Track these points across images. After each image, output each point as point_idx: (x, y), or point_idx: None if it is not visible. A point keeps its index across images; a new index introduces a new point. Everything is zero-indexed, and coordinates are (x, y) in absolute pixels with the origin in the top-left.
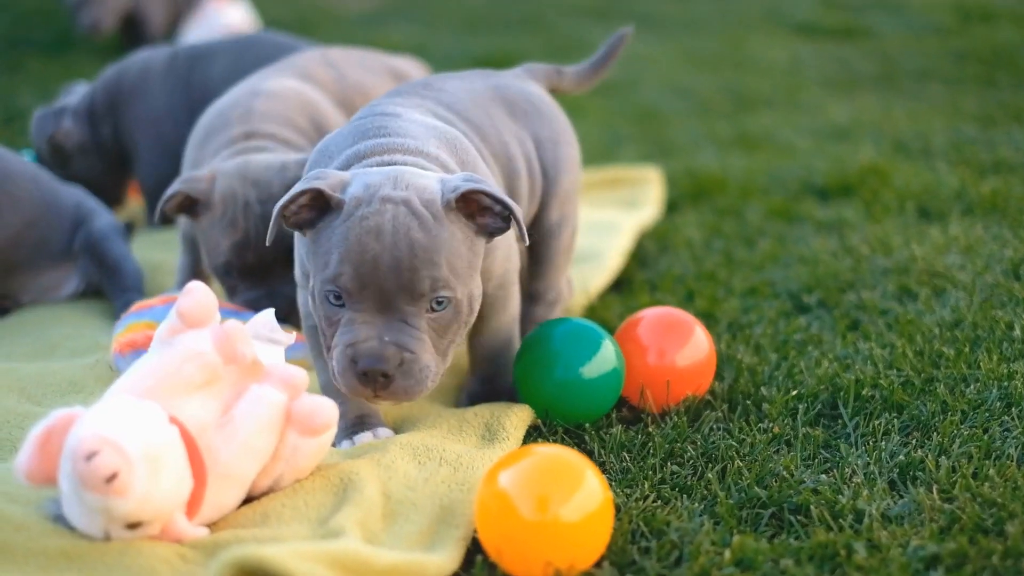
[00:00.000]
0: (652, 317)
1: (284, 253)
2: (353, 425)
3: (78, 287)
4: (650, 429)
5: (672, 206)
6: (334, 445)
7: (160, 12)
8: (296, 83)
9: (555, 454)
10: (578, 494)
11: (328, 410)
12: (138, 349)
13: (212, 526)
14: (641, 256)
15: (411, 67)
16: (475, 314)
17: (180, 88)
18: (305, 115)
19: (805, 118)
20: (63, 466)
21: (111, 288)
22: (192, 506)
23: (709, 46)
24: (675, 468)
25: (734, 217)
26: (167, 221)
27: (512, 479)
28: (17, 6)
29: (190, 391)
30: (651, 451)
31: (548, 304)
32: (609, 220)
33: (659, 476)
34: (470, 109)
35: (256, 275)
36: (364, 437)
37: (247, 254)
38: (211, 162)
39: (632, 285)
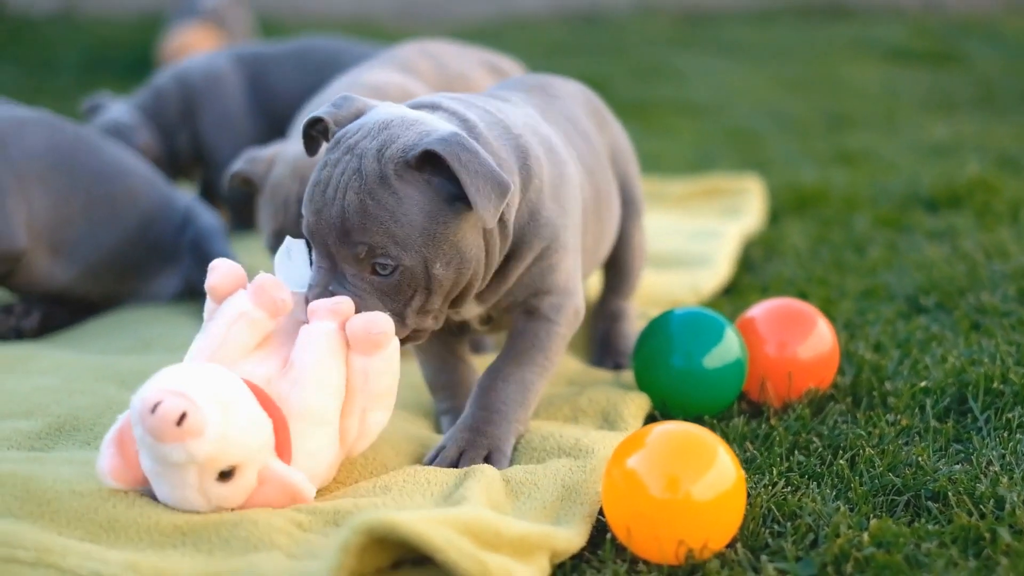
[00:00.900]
0: (771, 308)
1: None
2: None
3: (178, 288)
4: (772, 422)
5: (774, 216)
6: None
7: None
8: (397, 76)
9: (685, 431)
10: (710, 472)
11: (383, 319)
12: None
13: (328, 493)
14: (747, 262)
15: (507, 63)
16: (450, 282)
17: (250, 91)
18: None
19: (904, 137)
20: (139, 443)
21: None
22: (281, 448)
23: (798, 72)
24: (801, 458)
25: (840, 226)
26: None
27: (641, 457)
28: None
29: (245, 354)
30: (775, 441)
31: (632, 319)
32: (712, 228)
33: (786, 465)
34: (580, 119)
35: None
36: None
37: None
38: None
39: (741, 289)
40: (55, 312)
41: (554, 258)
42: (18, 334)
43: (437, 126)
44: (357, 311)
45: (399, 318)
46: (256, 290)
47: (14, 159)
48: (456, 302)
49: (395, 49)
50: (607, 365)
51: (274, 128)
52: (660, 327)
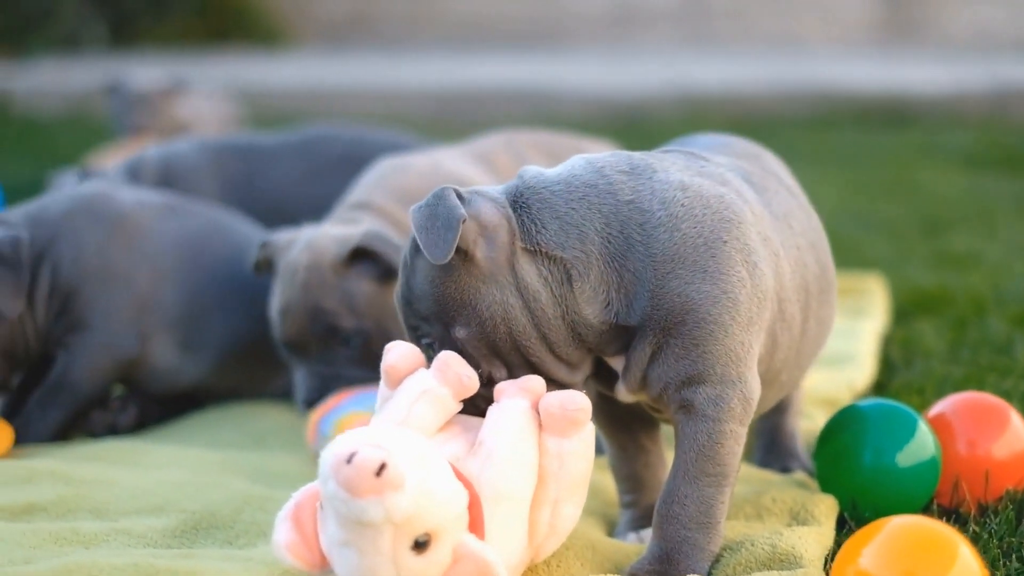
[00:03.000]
0: (959, 402)
1: (322, 330)
2: (643, 517)
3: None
4: (973, 527)
5: (897, 317)
6: (616, 535)
7: None
8: (468, 167)
9: (923, 525)
10: (954, 571)
11: (580, 396)
12: None
13: None
14: (887, 362)
15: (602, 147)
16: (484, 344)
17: (235, 191)
18: None
19: (1006, 239)
20: (327, 504)
21: None
22: (475, 526)
23: (871, 177)
24: (1018, 564)
25: (975, 328)
26: None
27: (875, 555)
28: None
29: (430, 433)
30: (983, 547)
31: (799, 414)
32: (844, 326)
33: (1002, 572)
34: (796, 190)
35: (298, 352)
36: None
37: (287, 323)
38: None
39: (891, 389)
40: (152, 408)
41: (698, 337)
42: (113, 430)
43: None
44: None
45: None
46: (441, 366)
47: (148, 252)
48: (537, 370)
49: (481, 139)
50: (773, 467)
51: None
52: (847, 422)
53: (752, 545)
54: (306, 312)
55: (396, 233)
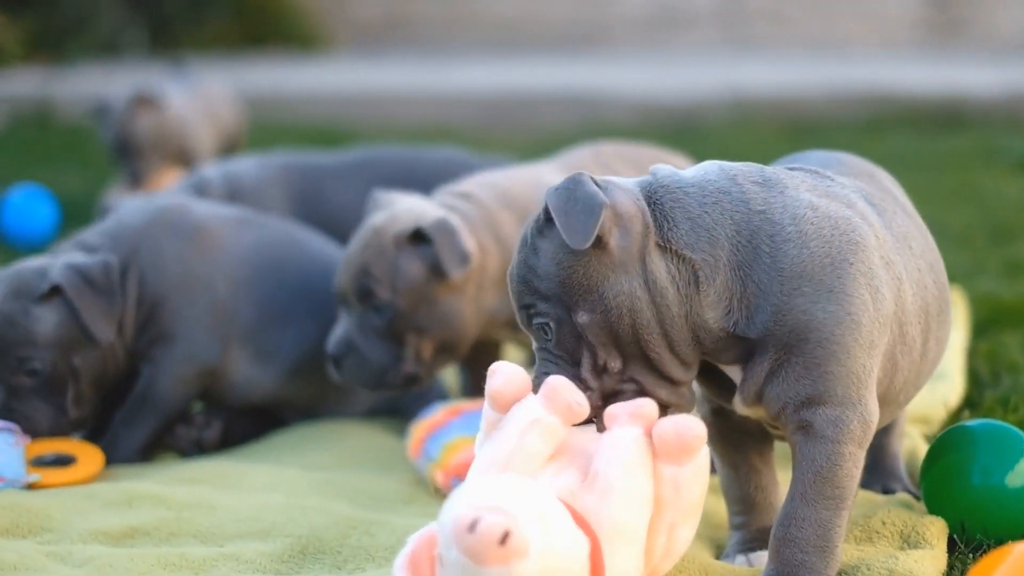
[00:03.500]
0: None
1: (361, 290)
2: (753, 539)
3: (375, 402)
4: None
5: (977, 329)
6: (724, 558)
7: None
8: (560, 177)
9: None
10: None
11: (695, 422)
12: None
13: None
14: (974, 377)
15: (684, 162)
16: (606, 333)
17: (300, 208)
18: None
19: None
20: (451, 568)
21: (414, 402)
22: (596, 572)
23: (929, 182)
24: None
25: None
26: None
27: None
28: None
29: (540, 464)
30: None
31: (901, 435)
32: None
33: None
34: (912, 210)
35: (342, 303)
36: (764, 556)
37: (340, 272)
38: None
39: (983, 405)
40: (236, 423)
41: (820, 357)
42: (199, 447)
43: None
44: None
45: (580, 383)
46: (549, 394)
47: (225, 262)
48: (653, 368)
49: (569, 152)
50: (874, 488)
51: None
52: (955, 442)
53: (868, 569)
54: (355, 268)
55: (486, 230)
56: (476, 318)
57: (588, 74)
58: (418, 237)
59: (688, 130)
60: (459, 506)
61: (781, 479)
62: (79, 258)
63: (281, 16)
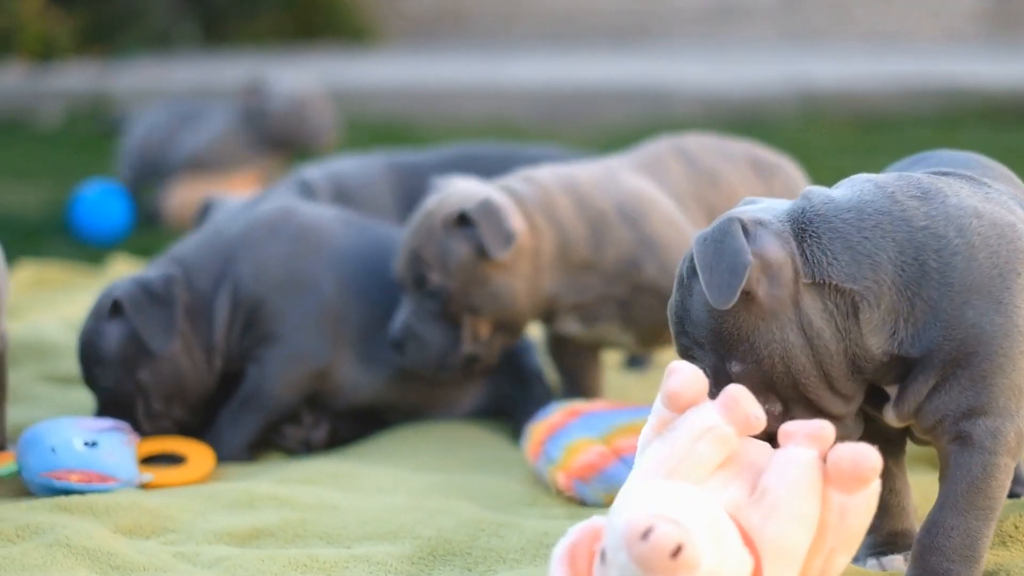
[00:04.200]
0: None
1: (415, 275)
2: (884, 543)
3: (484, 402)
4: None
5: None
6: (855, 561)
7: None
8: (634, 177)
9: None
10: None
11: (872, 452)
12: (601, 471)
13: None
14: None
15: (775, 158)
16: (760, 380)
17: (402, 200)
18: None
19: None
20: (616, 570)
21: (523, 403)
22: None
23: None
24: None
25: None
26: None
27: None
28: None
29: (709, 473)
30: None
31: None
32: None
33: None
34: None
35: (402, 289)
36: (896, 560)
37: (398, 259)
38: None
39: None
40: (342, 424)
41: (987, 370)
42: (308, 447)
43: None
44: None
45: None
46: (728, 403)
47: (333, 262)
48: (815, 408)
49: (646, 146)
50: None
51: None
52: None
53: (1007, 575)
54: (408, 253)
55: (540, 211)
56: (532, 298)
57: (648, 68)
58: (464, 219)
59: (755, 125)
60: (632, 510)
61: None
62: (148, 273)
63: (333, 9)
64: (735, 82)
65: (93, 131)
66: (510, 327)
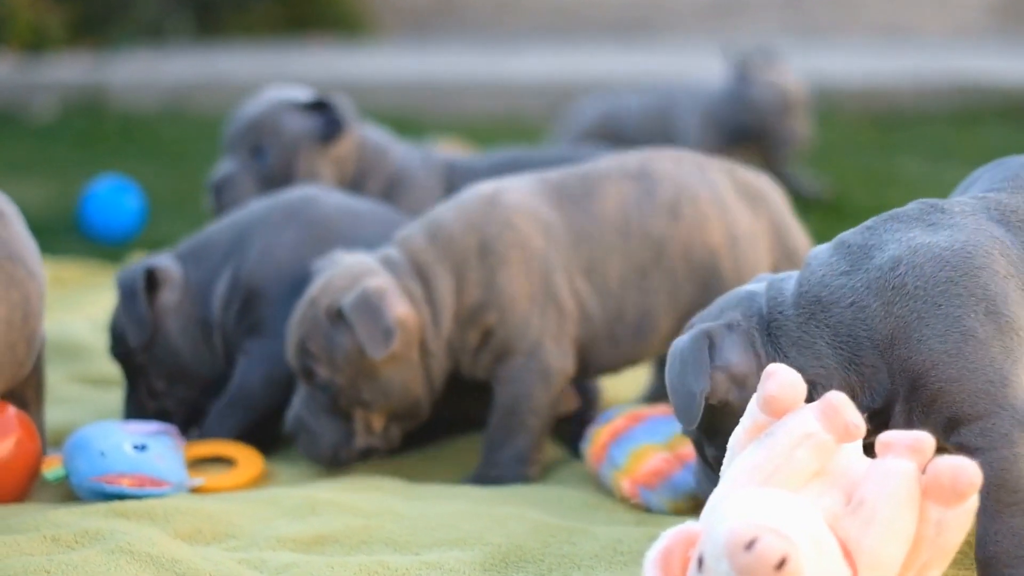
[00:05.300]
0: None
1: (304, 368)
2: None
3: None
4: None
5: None
6: None
7: None
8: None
9: None
10: None
11: (972, 468)
12: (667, 477)
13: None
14: None
15: (763, 184)
16: None
17: (442, 194)
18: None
19: None
20: (713, 574)
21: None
22: None
23: None
24: None
25: None
26: None
27: None
28: None
29: (805, 481)
30: None
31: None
32: None
33: None
34: None
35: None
36: None
37: (287, 344)
38: None
39: None
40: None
41: (943, 387)
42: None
43: None
44: None
45: None
46: (827, 410)
47: None
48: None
49: (608, 158)
50: None
51: None
52: None
53: None
54: (295, 344)
55: (442, 267)
56: (429, 382)
57: (652, 61)
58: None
59: None
60: (737, 520)
61: None
62: (148, 260)
63: (327, 1)
64: None
65: (90, 125)
66: (408, 416)
